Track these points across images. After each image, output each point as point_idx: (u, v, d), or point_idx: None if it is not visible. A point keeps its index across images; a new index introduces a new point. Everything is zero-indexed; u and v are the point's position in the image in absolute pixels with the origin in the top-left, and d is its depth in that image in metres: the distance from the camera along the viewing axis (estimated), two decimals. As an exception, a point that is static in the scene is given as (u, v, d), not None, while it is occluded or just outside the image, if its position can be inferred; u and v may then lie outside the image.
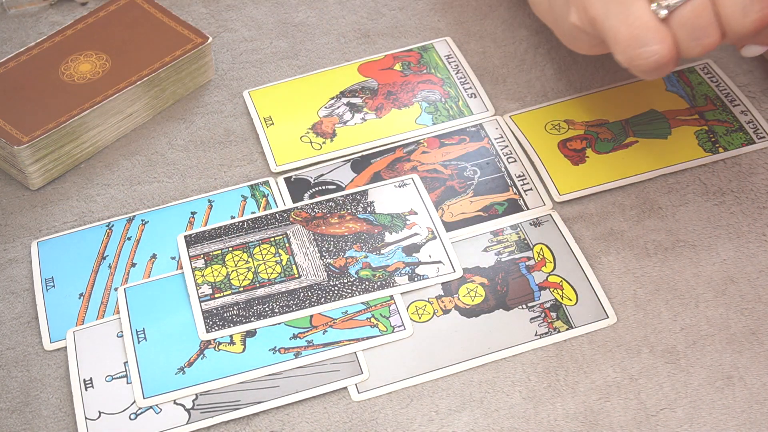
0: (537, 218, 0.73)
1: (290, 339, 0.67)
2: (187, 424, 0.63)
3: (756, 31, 0.61)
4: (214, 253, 0.71)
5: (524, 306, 0.68)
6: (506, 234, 0.72)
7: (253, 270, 0.70)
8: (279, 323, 0.68)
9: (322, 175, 0.77)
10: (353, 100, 0.81)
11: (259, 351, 0.66)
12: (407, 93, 0.81)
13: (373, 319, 0.68)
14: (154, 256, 0.72)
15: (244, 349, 0.66)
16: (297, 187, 0.76)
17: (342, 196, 0.74)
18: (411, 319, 0.68)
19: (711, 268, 0.69)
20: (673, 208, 0.73)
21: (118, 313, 0.69)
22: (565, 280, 0.69)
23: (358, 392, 0.65)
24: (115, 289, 0.71)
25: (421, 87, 0.82)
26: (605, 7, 0.62)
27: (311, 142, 0.79)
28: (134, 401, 0.64)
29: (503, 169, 0.76)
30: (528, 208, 0.73)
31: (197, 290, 0.69)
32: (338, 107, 0.81)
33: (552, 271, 0.70)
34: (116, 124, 0.79)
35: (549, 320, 0.67)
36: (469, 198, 0.74)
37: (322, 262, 0.70)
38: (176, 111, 0.82)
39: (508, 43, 0.85)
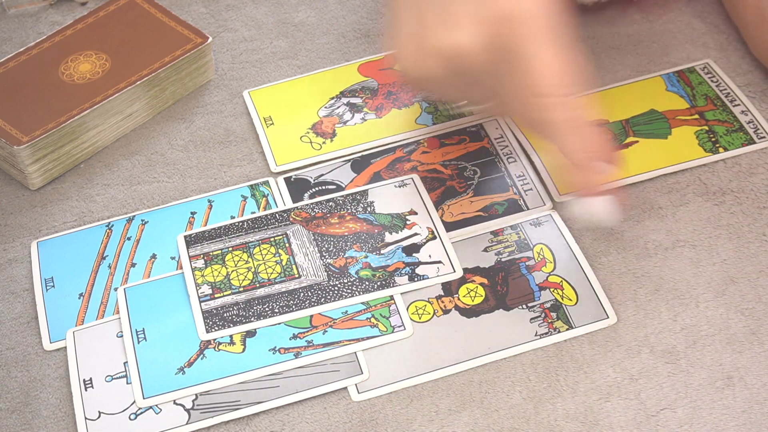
0: (537, 218, 0.73)
1: (290, 339, 0.67)
2: (187, 424, 0.63)
3: None
4: (214, 253, 0.71)
5: (524, 306, 0.68)
6: (506, 234, 0.72)
7: (253, 270, 0.70)
8: (279, 323, 0.68)
9: (322, 175, 0.77)
10: (353, 100, 0.81)
11: (259, 351, 0.66)
12: (407, 93, 0.81)
13: (373, 319, 0.68)
14: (154, 256, 0.72)
15: (244, 349, 0.66)
16: (297, 187, 0.76)
17: (342, 196, 0.74)
18: (411, 319, 0.68)
19: (711, 268, 0.69)
20: (673, 208, 0.73)
21: (118, 313, 0.69)
22: (565, 280, 0.69)
23: (358, 392, 0.65)
24: (115, 289, 0.70)
25: (421, 87, 0.82)
26: None
27: (311, 142, 0.79)
28: (134, 401, 0.64)
29: (503, 169, 0.76)
30: (528, 208, 0.73)
31: (197, 290, 0.69)
32: (338, 107, 0.81)
33: (552, 271, 0.70)
34: (116, 124, 0.79)
35: (549, 320, 0.67)
36: (469, 198, 0.74)
37: (322, 262, 0.70)
38: (176, 111, 0.82)
39: (508, 43, 0.85)
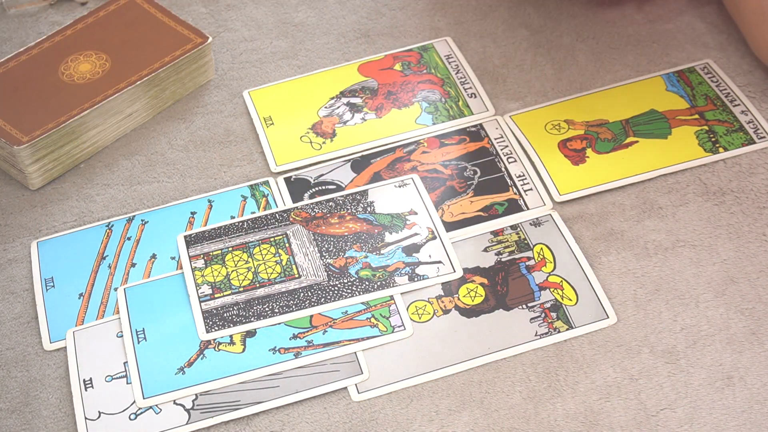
0: (537, 218, 0.73)
1: (290, 339, 0.67)
2: (187, 424, 0.63)
3: None
4: (214, 253, 0.71)
5: (524, 306, 0.68)
6: (506, 234, 0.72)
7: (253, 270, 0.70)
8: (279, 323, 0.68)
9: (322, 175, 0.77)
10: (353, 100, 0.81)
11: (259, 351, 0.66)
12: (407, 93, 0.81)
13: (373, 319, 0.68)
14: (154, 256, 0.72)
15: (244, 349, 0.66)
16: (297, 187, 0.76)
17: (342, 196, 0.74)
18: (411, 319, 0.68)
19: (711, 268, 0.69)
20: (673, 208, 0.73)
21: (118, 313, 0.69)
22: (565, 280, 0.69)
23: (358, 392, 0.65)
24: (115, 289, 0.71)
25: (421, 87, 0.82)
26: None
27: (311, 142, 0.79)
28: (134, 401, 0.64)
29: (503, 169, 0.76)
30: (528, 208, 0.73)
31: (197, 290, 0.69)
32: (338, 107, 0.81)
33: (552, 271, 0.70)
34: (116, 124, 0.79)
35: (549, 320, 0.67)
36: (469, 198, 0.74)
37: (322, 262, 0.70)
38: (176, 111, 0.82)
39: (508, 43, 0.85)
